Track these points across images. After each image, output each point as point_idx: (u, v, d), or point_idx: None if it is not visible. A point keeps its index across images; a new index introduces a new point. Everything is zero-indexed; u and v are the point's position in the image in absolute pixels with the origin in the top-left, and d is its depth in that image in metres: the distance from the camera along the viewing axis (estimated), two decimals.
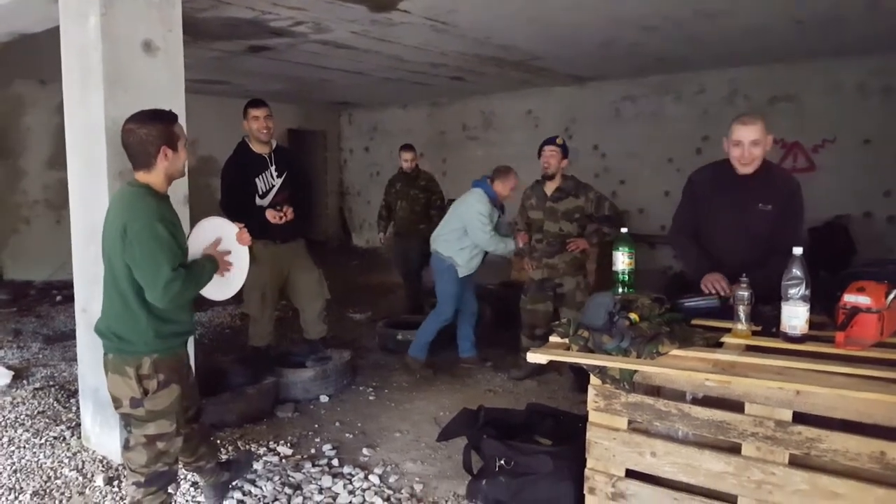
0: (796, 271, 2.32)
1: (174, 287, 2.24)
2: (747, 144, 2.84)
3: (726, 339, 2.38)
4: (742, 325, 2.41)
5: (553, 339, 2.46)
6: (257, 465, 3.19)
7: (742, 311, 2.40)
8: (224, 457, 3.17)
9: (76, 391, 3.87)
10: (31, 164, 8.21)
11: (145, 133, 2.31)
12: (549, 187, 4.32)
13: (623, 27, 5.29)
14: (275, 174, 4.18)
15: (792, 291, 2.30)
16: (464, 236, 4.48)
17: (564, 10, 4.76)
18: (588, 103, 8.45)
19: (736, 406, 2.12)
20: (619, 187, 8.26)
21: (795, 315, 2.27)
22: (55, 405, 4.02)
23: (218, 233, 2.60)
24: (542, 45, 6.08)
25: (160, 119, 2.37)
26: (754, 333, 2.41)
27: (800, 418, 2.01)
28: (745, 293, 2.39)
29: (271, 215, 4.05)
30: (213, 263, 2.49)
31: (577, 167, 8.67)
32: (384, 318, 5.92)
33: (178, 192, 3.05)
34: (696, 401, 2.28)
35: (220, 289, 2.55)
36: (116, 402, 2.42)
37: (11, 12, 3.83)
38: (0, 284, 7.93)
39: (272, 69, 7.24)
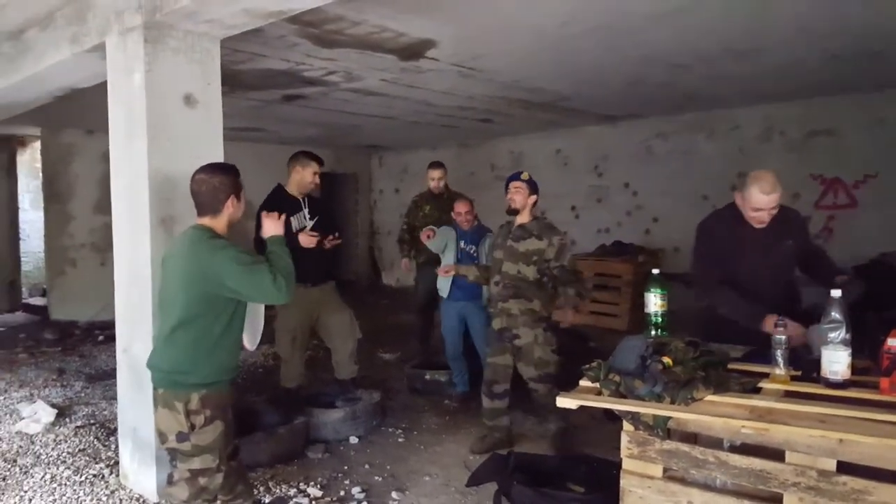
0: (835, 314, 2.26)
1: (278, 277, 2.41)
2: (767, 211, 2.91)
3: (764, 384, 2.32)
4: (780, 370, 2.35)
5: (583, 383, 2.42)
6: None
7: (780, 354, 2.35)
8: (258, 498, 3.18)
9: (115, 429, 3.94)
10: (78, 208, 8.52)
11: (218, 182, 2.52)
12: (515, 224, 3.99)
13: (652, 66, 5.31)
14: (307, 216, 4.30)
15: (832, 335, 2.24)
16: None
17: (591, 52, 4.81)
18: (619, 141, 8.45)
19: (776, 454, 2.05)
20: (653, 225, 8.18)
21: (836, 360, 2.20)
22: (95, 443, 4.10)
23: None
24: (570, 87, 6.14)
25: (231, 171, 2.60)
26: (793, 378, 2.34)
27: (845, 468, 1.93)
28: (782, 337, 2.34)
29: (305, 238, 4.08)
30: (275, 241, 2.64)
31: (609, 205, 8.72)
32: (412, 360, 5.92)
33: None
34: (734, 448, 2.22)
35: (250, 336, 2.65)
36: (162, 437, 2.51)
37: (64, 70, 4.06)
38: (46, 324, 8.19)
39: (306, 116, 7.45)
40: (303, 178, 4.30)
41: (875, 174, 6.59)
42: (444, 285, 4.82)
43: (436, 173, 5.64)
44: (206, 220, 2.55)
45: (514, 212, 3.97)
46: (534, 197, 3.96)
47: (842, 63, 5.24)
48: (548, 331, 3.88)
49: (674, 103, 7.08)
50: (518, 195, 3.91)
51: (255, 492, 3.33)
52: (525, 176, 3.97)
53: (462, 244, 4.81)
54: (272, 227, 2.70)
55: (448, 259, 4.77)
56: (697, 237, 3.16)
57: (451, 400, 4.95)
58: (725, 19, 4.11)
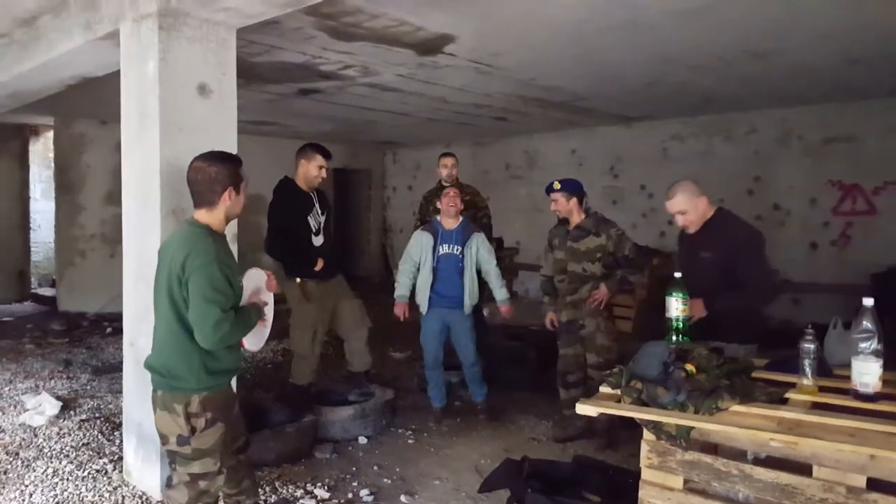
0: (867, 324, 2.18)
1: (222, 328, 2.26)
2: (675, 214, 3.16)
3: (791, 394, 2.24)
4: (808, 380, 2.27)
5: (604, 389, 2.35)
6: None
7: (808, 364, 2.26)
8: (263, 498, 3.12)
9: (120, 424, 3.89)
10: (89, 199, 8.52)
11: (215, 172, 2.38)
12: (571, 226, 4.11)
13: (671, 67, 5.24)
14: (320, 212, 4.25)
15: (863, 345, 2.16)
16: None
17: (611, 50, 4.74)
18: (634, 143, 8.37)
19: (802, 468, 1.98)
20: (668, 228, 8.09)
21: (867, 371, 2.12)
22: (99, 437, 4.05)
23: (255, 282, 2.63)
24: (587, 86, 6.07)
25: (229, 161, 2.45)
26: (821, 389, 2.26)
27: (875, 485, 1.86)
28: (810, 346, 2.26)
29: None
30: (258, 311, 2.52)
31: (624, 207, 8.63)
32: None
33: (228, 231, 3.05)
34: (758, 461, 2.14)
35: (255, 339, 2.56)
36: (163, 439, 2.43)
37: (77, 58, 4.02)
38: (55, 315, 8.19)
39: (321, 111, 7.42)
40: (308, 172, 4.17)
41: (895, 181, 6.48)
42: (422, 297, 4.41)
43: (448, 160, 5.36)
44: (202, 214, 2.41)
45: (565, 220, 4.13)
46: (574, 199, 4.04)
47: (862, 68, 5.18)
48: (609, 320, 4.08)
49: (691, 105, 7.00)
50: (559, 205, 4.05)
51: (262, 492, 3.28)
52: (556, 185, 4.04)
53: (444, 248, 4.38)
54: (265, 286, 2.63)
55: (425, 270, 4.37)
56: None
57: (433, 420, 4.51)
58: (747, 20, 4.06)
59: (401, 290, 4.48)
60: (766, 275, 3.16)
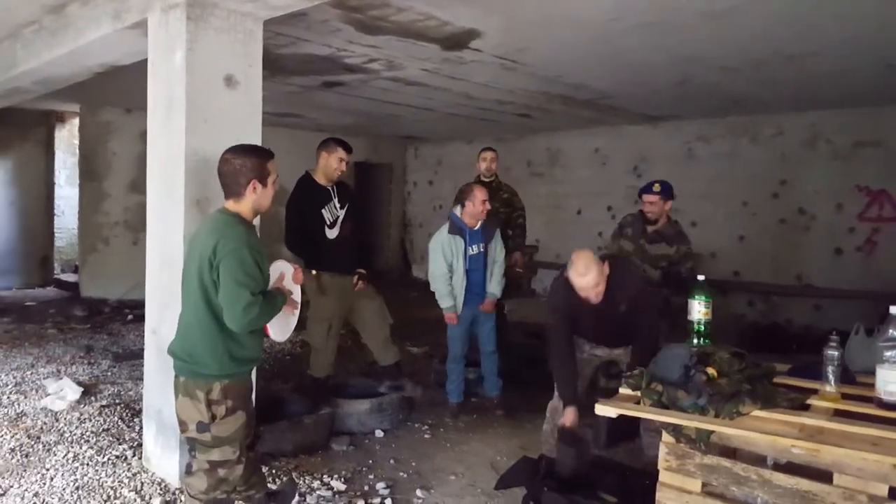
0: (894, 332, 2.14)
1: (252, 311, 2.31)
2: (591, 290, 3.02)
3: (813, 401, 2.23)
4: (830, 387, 2.24)
5: (623, 390, 2.34)
6: (311, 501, 3.14)
7: (831, 371, 2.24)
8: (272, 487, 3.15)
9: (140, 410, 3.94)
10: (113, 186, 8.62)
11: (239, 164, 2.43)
12: (651, 226, 4.20)
13: (700, 67, 5.17)
14: (338, 205, 4.27)
15: (888, 354, 2.13)
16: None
17: (639, 49, 4.69)
18: (659, 143, 8.28)
19: (822, 475, 1.97)
20: (691, 230, 7.91)
21: (893, 380, 2.10)
22: (119, 423, 4.10)
23: (281, 272, 2.66)
24: (613, 85, 6.01)
25: (255, 154, 2.50)
26: (844, 396, 2.23)
27: None
28: (834, 353, 2.23)
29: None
30: (283, 296, 2.55)
31: None
32: (441, 354, 5.81)
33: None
34: (778, 466, 2.12)
35: (280, 329, 2.59)
36: (182, 426, 2.47)
37: (105, 46, 4.06)
38: (77, 301, 8.31)
39: (344, 104, 7.43)
40: (328, 165, 4.20)
41: None
42: (459, 300, 4.41)
43: (488, 154, 5.33)
44: (231, 204, 2.48)
45: (654, 221, 4.17)
46: (669, 203, 4.11)
47: (894, 72, 5.05)
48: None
49: (718, 106, 6.91)
50: (655, 207, 4.09)
51: (278, 481, 3.31)
52: (656, 188, 4.07)
53: (473, 248, 4.40)
54: (292, 278, 2.64)
55: (458, 274, 4.37)
56: (551, 312, 3.36)
57: (449, 416, 4.51)
58: (778, 21, 4.00)
59: (449, 300, 4.40)
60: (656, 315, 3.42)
